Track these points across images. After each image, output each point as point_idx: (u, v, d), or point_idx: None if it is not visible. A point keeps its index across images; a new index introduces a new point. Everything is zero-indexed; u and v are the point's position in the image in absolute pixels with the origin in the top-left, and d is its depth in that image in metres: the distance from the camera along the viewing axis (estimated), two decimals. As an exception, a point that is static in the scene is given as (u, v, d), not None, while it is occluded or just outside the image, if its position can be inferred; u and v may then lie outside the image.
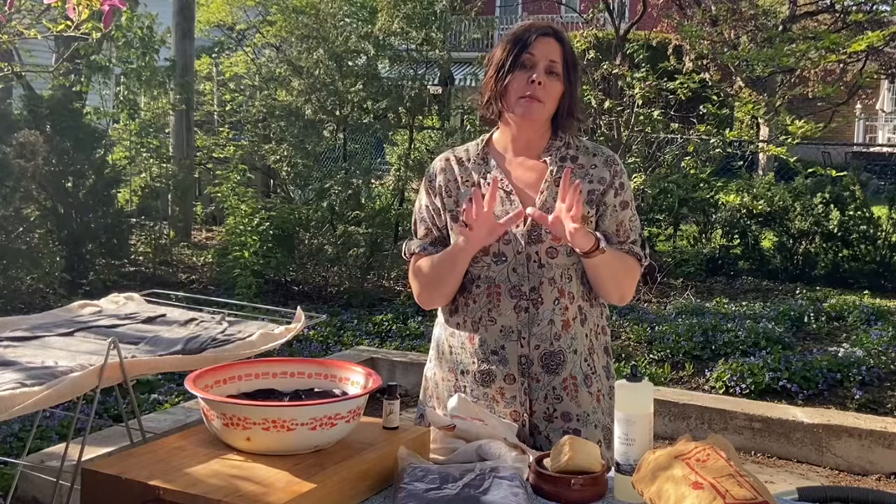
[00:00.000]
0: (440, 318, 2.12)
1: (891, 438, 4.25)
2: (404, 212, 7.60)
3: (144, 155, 8.41)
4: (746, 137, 9.54)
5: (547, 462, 1.67)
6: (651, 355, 5.65)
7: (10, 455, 3.62)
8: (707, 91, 9.18)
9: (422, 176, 2.87)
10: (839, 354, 5.40)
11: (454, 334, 2.05)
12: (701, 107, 8.34)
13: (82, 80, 7.62)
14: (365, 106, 8.20)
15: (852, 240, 8.15)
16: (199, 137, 9.51)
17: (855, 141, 20.57)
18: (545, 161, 2.03)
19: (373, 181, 8.54)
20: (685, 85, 7.81)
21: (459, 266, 1.97)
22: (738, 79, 12.07)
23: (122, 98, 8.35)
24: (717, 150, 8.38)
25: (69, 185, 7.08)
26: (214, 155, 8.88)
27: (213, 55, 11.50)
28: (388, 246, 7.61)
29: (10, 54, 7.17)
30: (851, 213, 8.20)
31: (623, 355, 5.50)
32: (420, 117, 8.60)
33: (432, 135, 8.95)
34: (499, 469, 1.63)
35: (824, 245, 8.25)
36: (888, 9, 11.35)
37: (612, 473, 1.68)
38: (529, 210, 1.90)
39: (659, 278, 7.58)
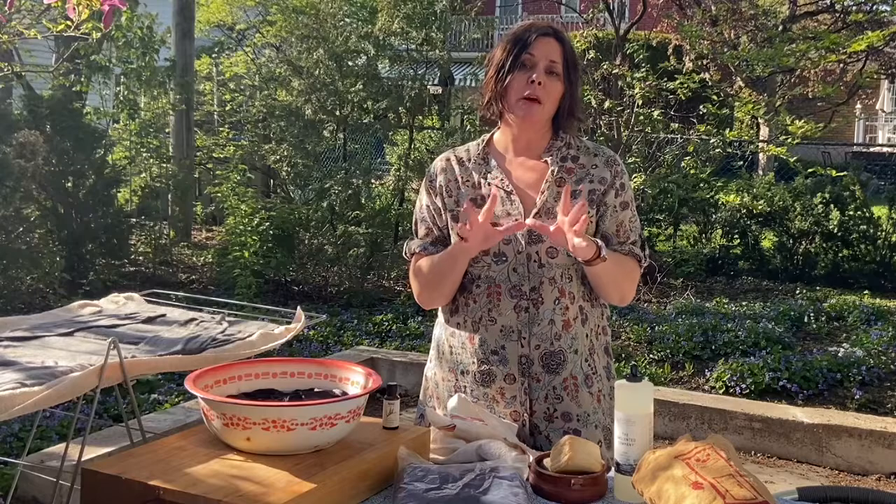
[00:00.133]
0: (440, 318, 2.12)
1: (891, 438, 4.25)
2: (404, 212, 7.60)
3: (144, 155, 8.40)
4: (746, 137, 9.54)
5: (547, 462, 1.67)
6: (651, 355, 5.65)
7: (10, 455, 3.62)
8: (707, 91, 9.18)
9: (422, 176, 2.87)
10: (839, 354, 5.40)
11: (454, 334, 2.05)
12: (701, 107, 8.34)
13: (82, 80, 7.61)
14: (365, 106, 8.20)
15: (852, 240, 8.15)
16: (199, 137, 9.51)
17: (855, 141, 20.56)
18: (546, 161, 2.03)
19: (373, 181, 8.54)
20: (685, 85, 7.81)
21: (459, 266, 1.98)
22: (738, 79, 12.06)
23: (122, 98, 8.34)
24: (717, 150, 8.38)
25: (69, 185, 7.08)
26: (214, 155, 8.88)
27: (213, 55, 11.50)
28: (388, 246, 7.61)
29: (10, 54, 7.17)
30: (851, 213, 8.19)
31: (623, 355, 5.50)
32: (420, 117, 8.60)
33: (432, 135, 8.95)
34: (499, 469, 1.63)
35: (824, 245, 8.24)
36: (888, 9, 11.34)
37: (612, 473, 1.68)
38: (528, 221, 1.90)
39: (659, 278, 7.58)
